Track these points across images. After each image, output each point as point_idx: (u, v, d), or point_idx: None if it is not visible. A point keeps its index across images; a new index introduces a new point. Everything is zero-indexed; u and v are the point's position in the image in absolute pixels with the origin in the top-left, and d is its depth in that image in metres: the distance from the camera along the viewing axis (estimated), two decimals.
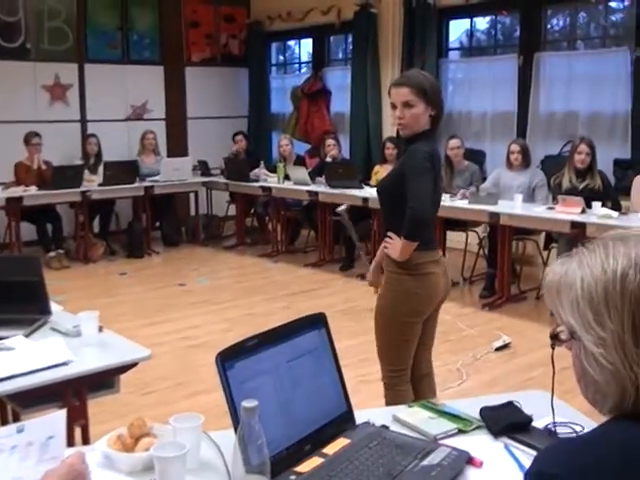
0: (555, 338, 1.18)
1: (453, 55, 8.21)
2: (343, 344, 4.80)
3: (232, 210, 8.58)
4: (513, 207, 5.72)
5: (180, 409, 3.85)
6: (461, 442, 1.71)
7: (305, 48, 9.87)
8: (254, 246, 8.20)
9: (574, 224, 5.24)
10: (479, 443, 1.72)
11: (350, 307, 5.82)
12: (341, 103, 8.91)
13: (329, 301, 6.00)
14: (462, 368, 4.49)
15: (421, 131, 2.82)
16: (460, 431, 1.77)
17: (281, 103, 9.78)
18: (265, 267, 7.30)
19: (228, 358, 1.46)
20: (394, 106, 2.81)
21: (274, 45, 10.12)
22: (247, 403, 1.30)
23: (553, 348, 1.21)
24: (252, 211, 8.57)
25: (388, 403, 3.05)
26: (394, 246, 2.84)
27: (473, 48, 8.03)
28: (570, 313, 1.09)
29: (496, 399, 1.98)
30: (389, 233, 2.91)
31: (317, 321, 1.73)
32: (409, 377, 3.06)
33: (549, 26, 7.32)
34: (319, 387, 1.65)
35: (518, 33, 7.41)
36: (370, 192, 6.71)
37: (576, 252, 1.13)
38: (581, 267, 1.08)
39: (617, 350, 1.02)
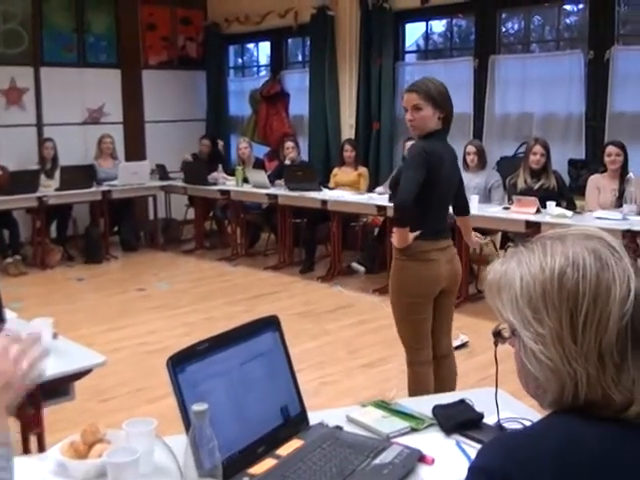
0: (498, 335, 1.21)
1: (410, 58, 8.28)
2: (303, 347, 4.87)
3: (191, 214, 8.54)
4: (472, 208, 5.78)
5: (139, 415, 3.84)
6: (413, 440, 1.74)
7: (263, 51, 9.88)
8: (213, 250, 8.17)
9: (529, 224, 5.33)
10: (431, 441, 1.75)
11: (310, 310, 5.84)
12: (300, 106, 8.92)
13: (289, 304, 6.01)
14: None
15: (432, 131, 3.14)
16: (413, 429, 1.80)
17: (239, 106, 9.75)
18: (225, 271, 7.28)
19: (179, 362, 1.47)
20: (406, 109, 3.17)
21: (232, 48, 10.09)
22: (197, 407, 1.31)
23: (496, 345, 1.24)
24: (211, 215, 8.55)
25: (410, 381, 3.36)
26: (394, 235, 3.21)
27: (429, 51, 8.11)
28: (510, 311, 1.12)
29: (449, 397, 2.02)
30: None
31: (270, 323, 1.74)
32: (429, 357, 3.33)
33: (504, 29, 7.43)
34: (272, 389, 1.67)
35: (474, 36, 7.50)
36: (329, 195, 6.75)
37: (515, 251, 1.16)
38: (520, 266, 1.11)
39: (555, 347, 1.06)
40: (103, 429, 1.65)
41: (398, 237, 3.19)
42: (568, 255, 1.08)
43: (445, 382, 3.43)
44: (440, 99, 3.13)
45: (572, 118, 6.74)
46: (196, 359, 1.50)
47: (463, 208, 3.62)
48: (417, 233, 3.19)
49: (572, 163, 6.68)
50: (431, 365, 3.36)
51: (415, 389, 3.33)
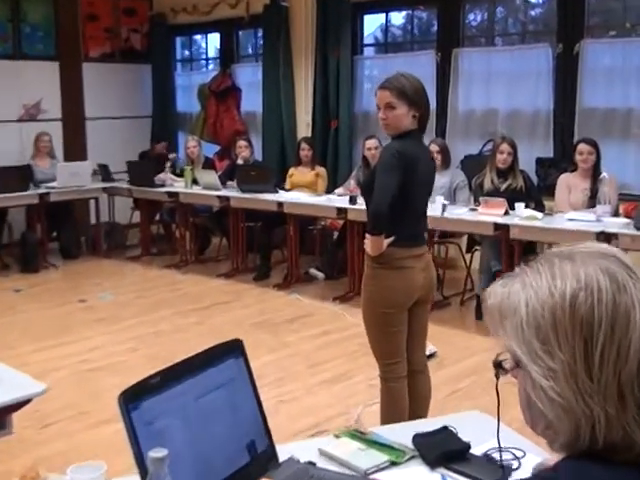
0: (499, 367, 1.12)
1: (368, 51, 8.24)
2: (260, 361, 4.77)
3: (136, 217, 8.38)
4: (434, 209, 5.74)
5: (83, 442, 3.70)
6: (394, 475, 1.64)
7: (212, 43, 9.75)
8: (161, 256, 8.03)
9: (497, 226, 5.30)
10: (414, 475, 1.66)
11: (266, 320, 5.74)
12: (252, 102, 8.82)
13: (243, 314, 5.91)
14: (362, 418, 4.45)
15: (407, 130, 3.08)
16: (392, 463, 1.71)
17: (187, 102, 9.63)
18: (173, 279, 7.13)
19: (132, 398, 1.35)
20: (378, 107, 3.11)
21: (179, 40, 9.95)
22: (155, 453, 1.20)
23: (497, 378, 1.15)
24: (157, 218, 8.40)
25: (383, 398, 3.30)
26: (367, 243, 3.15)
27: (389, 44, 8.07)
28: (515, 340, 1.03)
29: (430, 423, 1.94)
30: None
31: (233, 349, 1.63)
32: (404, 371, 3.28)
33: (468, 21, 7.41)
34: (237, 423, 1.56)
35: (436, 28, 7.47)
36: (285, 196, 6.65)
37: (519, 272, 1.07)
38: (525, 289, 1.03)
39: (569, 383, 0.97)
40: (44, 473, 1.52)
41: (372, 245, 3.13)
42: (580, 276, 0.99)
43: (419, 399, 3.37)
44: (415, 97, 3.07)
45: (540, 114, 6.75)
46: (151, 394, 1.38)
47: None
48: (391, 239, 3.14)
49: (540, 162, 6.69)
50: (406, 380, 3.29)
51: (389, 406, 3.28)
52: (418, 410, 3.37)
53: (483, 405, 4.11)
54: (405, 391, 3.30)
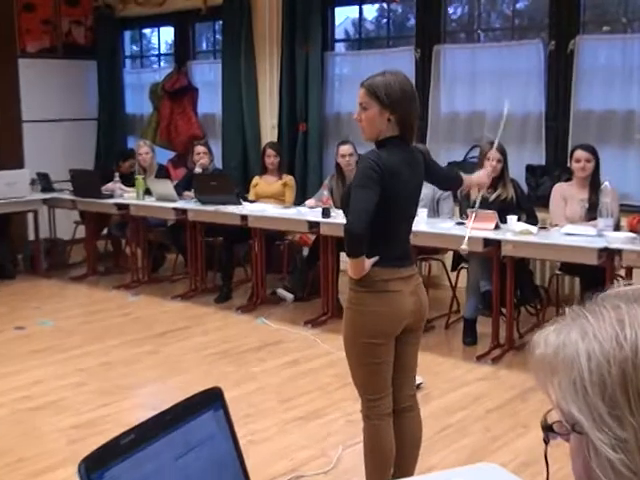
0: (549, 430, 1.01)
1: (340, 48, 8.19)
2: (225, 396, 4.62)
3: (81, 232, 8.22)
4: (417, 223, 5.66)
5: None
6: None
7: (165, 38, 9.69)
8: (109, 276, 7.90)
9: (488, 241, 5.24)
10: None
11: (230, 348, 5.62)
12: (210, 103, 8.76)
13: (204, 341, 5.79)
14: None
15: (387, 136, 3.01)
16: None
17: (138, 103, 9.55)
18: (124, 302, 6.98)
19: (97, 466, 1.22)
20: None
21: (128, 34, 9.88)
22: None
23: (546, 444, 1.04)
24: (105, 233, 8.24)
25: (366, 438, 3.20)
26: (348, 266, 3.08)
27: (363, 40, 8.02)
28: (572, 401, 0.93)
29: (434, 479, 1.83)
30: None
31: (211, 399, 1.50)
32: (390, 408, 3.18)
33: (450, 15, 7.39)
34: None
35: (414, 22, 7.44)
36: (250, 209, 6.54)
37: (574, 315, 0.97)
38: (586, 339, 0.92)
39: None
40: None
41: (353, 268, 3.06)
42: None
43: (408, 440, 3.28)
44: (387, 97, 2.98)
45: (530, 118, 6.74)
46: (118, 458, 1.26)
47: (450, 179, 3.72)
48: (375, 259, 3.05)
49: (530, 170, 6.68)
50: (391, 418, 3.20)
51: (373, 447, 3.19)
52: (406, 452, 3.29)
53: (478, 444, 4.07)
54: (390, 430, 3.21)
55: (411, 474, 3.29)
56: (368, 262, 3.06)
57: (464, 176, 3.79)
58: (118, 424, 4.04)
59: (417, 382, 4.77)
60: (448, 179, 3.72)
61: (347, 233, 2.99)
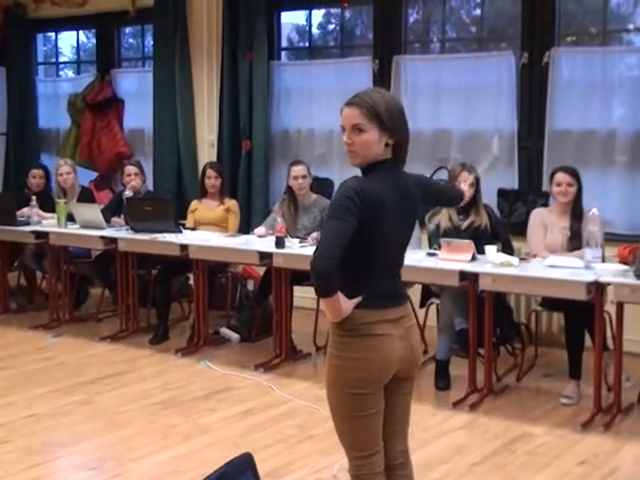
0: None
1: (288, 56, 8.23)
2: (174, 452, 4.57)
3: None
4: None
5: None
6: None
7: (86, 43, 9.65)
8: (23, 313, 7.76)
9: (463, 275, 5.28)
10: None
11: (174, 396, 5.53)
12: (139, 116, 8.75)
13: (142, 389, 5.68)
14: (339, 474, 4.34)
15: (378, 160, 2.96)
16: None
17: (53, 115, 9.51)
18: (43, 344, 6.83)
19: None
20: (343, 129, 3.00)
21: (41, 37, 9.85)
22: None
23: None
24: (16, 264, 8.09)
25: None
26: (325, 308, 3.03)
27: (315, 49, 8.09)
28: None
29: None
30: None
31: (244, 466, 1.49)
32: (381, 467, 3.13)
33: (411, 21, 7.49)
34: None
35: (369, 30, 7.53)
36: (190, 238, 6.48)
37: None
38: None
39: None
40: None
41: (329, 309, 3.01)
42: None
43: None
44: (389, 120, 2.95)
45: (502, 137, 6.88)
46: None
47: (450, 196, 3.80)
48: (357, 300, 3.03)
49: (502, 194, 6.79)
50: (383, 477, 3.17)
51: None
52: None
53: None
54: None
55: None
56: (350, 303, 3.03)
57: None
58: None
59: None
60: (448, 197, 3.82)
61: (312, 270, 2.94)
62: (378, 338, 3.03)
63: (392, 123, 2.96)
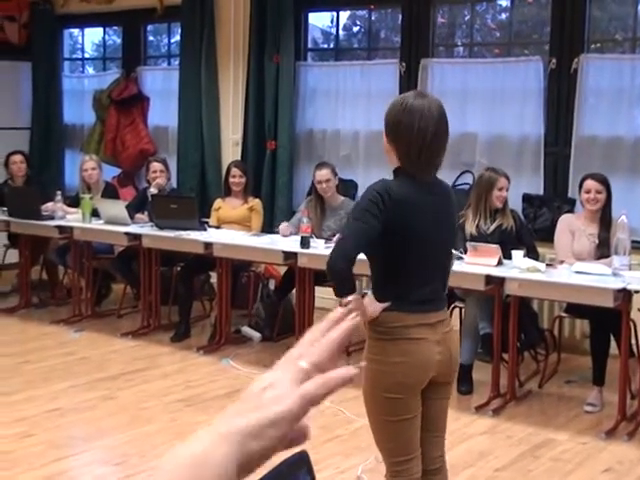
0: None
1: (313, 57, 8.22)
2: None
3: (12, 257, 8.04)
4: None
5: None
6: None
7: (113, 40, 9.66)
8: (44, 308, 7.77)
9: (490, 279, 5.25)
10: None
11: (196, 394, 5.54)
12: (163, 114, 8.75)
13: (164, 386, 5.69)
14: (364, 475, 4.32)
15: (400, 167, 3.05)
16: None
17: (79, 111, 9.49)
18: (65, 339, 6.83)
19: None
20: None
21: (68, 33, 9.83)
22: None
23: None
24: (42, 259, 8.09)
25: None
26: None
27: (341, 50, 8.07)
28: None
29: None
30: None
31: (297, 465, 1.46)
32: (418, 473, 3.14)
33: (440, 25, 7.47)
34: None
35: (400, 33, 7.50)
36: (215, 236, 6.47)
37: None
38: None
39: None
40: None
41: (356, 309, 2.95)
42: None
43: None
44: (386, 123, 3.05)
45: (528, 142, 6.83)
46: None
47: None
48: (385, 305, 3.04)
49: (528, 199, 6.75)
50: None
51: None
52: None
53: None
54: None
55: None
56: (378, 306, 3.03)
57: None
58: None
59: None
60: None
61: (328, 269, 3.03)
62: (414, 342, 3.04)
63: (392, 130, 3.04)
